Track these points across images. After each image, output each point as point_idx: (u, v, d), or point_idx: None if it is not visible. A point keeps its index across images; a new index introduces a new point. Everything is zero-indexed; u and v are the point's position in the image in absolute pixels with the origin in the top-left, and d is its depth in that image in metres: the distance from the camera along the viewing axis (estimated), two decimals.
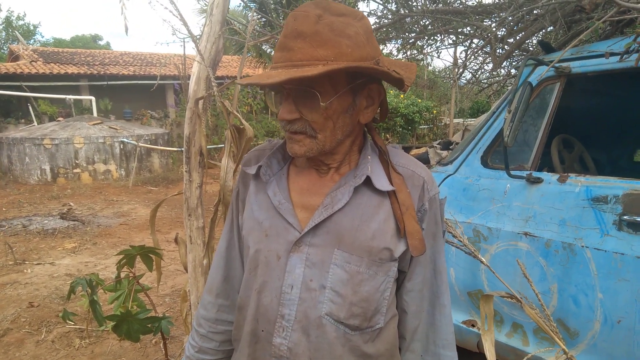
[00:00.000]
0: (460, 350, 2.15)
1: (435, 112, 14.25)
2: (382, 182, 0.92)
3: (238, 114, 1.38)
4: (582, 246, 1.75)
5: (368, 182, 0.92)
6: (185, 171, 1.57)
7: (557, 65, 2.00)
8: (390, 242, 0.91)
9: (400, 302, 1.00)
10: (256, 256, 0.96)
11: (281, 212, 0.94)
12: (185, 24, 1.31)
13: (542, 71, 2.10)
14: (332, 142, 0.90)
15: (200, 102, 1.55)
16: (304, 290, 0.90)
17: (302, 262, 0.91)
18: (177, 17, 1.24)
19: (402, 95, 13.13)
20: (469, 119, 13.84)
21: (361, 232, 0.91)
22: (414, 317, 0.99)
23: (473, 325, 2.16)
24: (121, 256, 2.00)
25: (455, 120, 13.68)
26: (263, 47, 12.14)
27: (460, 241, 1.05)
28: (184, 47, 2.02)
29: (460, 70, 4.83)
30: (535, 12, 2.70)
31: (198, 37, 1.55)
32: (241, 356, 0.98)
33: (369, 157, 0.95)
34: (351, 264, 0.90)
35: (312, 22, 0.83)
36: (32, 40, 30.99)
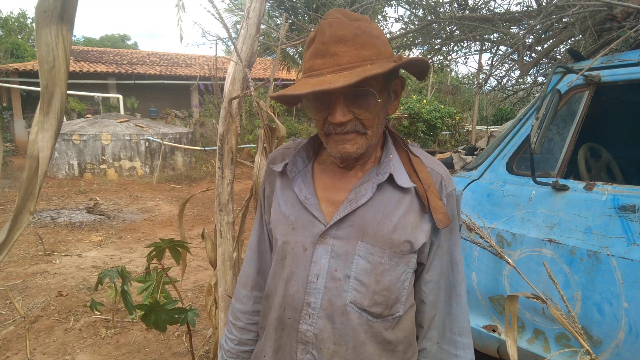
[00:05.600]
0: (481, 356, 2.16)
1: (457, 118, 14.14)
2: (403, 180, 0.98)
3: (272, 114, 1.44)
4: (608, 254, 1.75)
5: (390, 179, 0.97)
6: (218, 168, 1.63)
7: (586, 73, 2.01)
8: (410, 234, 0.96)
9: (419, 292, 1.04)
10: (284, 248, 1.01)
11: (307, 207, 0.99)
12: (226, 28, 1.37)
13: (571, 79, 2.10)
14: (376, 136, 0.97)
15: (235, 101, 1.62)
16: (329, 279, 0.95)
17: (327, 253, 0.96)
18: (218, 19, 1.30)
19: (424, 101, 13.08)
20: (492, 126, 13.70)
21: (383, 226, 0.95)
22: (431, 306, 1.04)
23: (494, 331, 2.16)
24: (151, 248, 2.08)
25: (478, 127, 13.56)
26: (287, 50, 12.26)
27: (487, 242, 1.08)
28: (216, 48, 2.10)
29: (485, 76, 4.81)
30: (564, 20, 2.69)
31: (226, 39, 1.61)
32: (267, 341, 1.04)
33: (391, 155, 1.00)
34: (374, 255, 0.95)
35: (347, 26, 0.88)
36: None
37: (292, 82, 14.48)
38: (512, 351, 0.99)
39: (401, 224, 0.96)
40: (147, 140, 10.55)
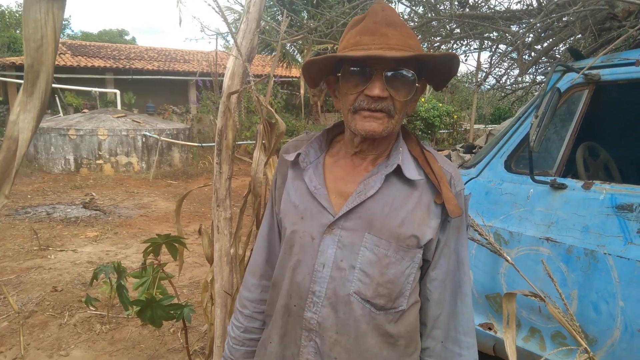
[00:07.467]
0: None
1: (455, 117, 14.14)
2: (411, 172, 0.99)
3: (271, 109, 1.43)
4: (605, 253, 1.75)
5: (399, 173, 0.99)
6: (216, 163, 1.62)
7: (586, 72, 2.00)
8: (417, 230, 0.97)
9: (424, 290, 1.05)
10: (292, 236, 1.03)
11: (316, 197, 1.01)
12: (226, 21, 1.35)
13: (571, 78, 2.10)
14: (398, 125, 0.99)
15: (233, 96, 1.60)
16: (334, 269, 0.97)
17: (334, 243, 0.98)
18: (218, 13, 1.29)
19: (422, 99, 13.07)
20: (490, 125, 13.71)
21: (390, 219, 0.97)
22: (436, 305, 1.05)
23: (490, 329, 2.16)
24: (148, 244, 2.06)
25: (476, 126, 13.57)
26: (286, 47, 12.23)
27: (486, 239, 1.08)
28: (216, 43, 2.08)
29: (484, 75, 4.81)
30: (565, 19, 2.69)
31: (226, 34, 1.60)
32: (274, 328, 1.06)
33: (400, 148, 1.02)
34: (380, 248, 0.97)
35: (397, 16, 0.94)
36: (61, 34, 31.66)
37: (292, 79, 14.41)
38: (511, 351, 0.99)
39: (408, 219, 0.97)
40: (144, 135, 10.51)
